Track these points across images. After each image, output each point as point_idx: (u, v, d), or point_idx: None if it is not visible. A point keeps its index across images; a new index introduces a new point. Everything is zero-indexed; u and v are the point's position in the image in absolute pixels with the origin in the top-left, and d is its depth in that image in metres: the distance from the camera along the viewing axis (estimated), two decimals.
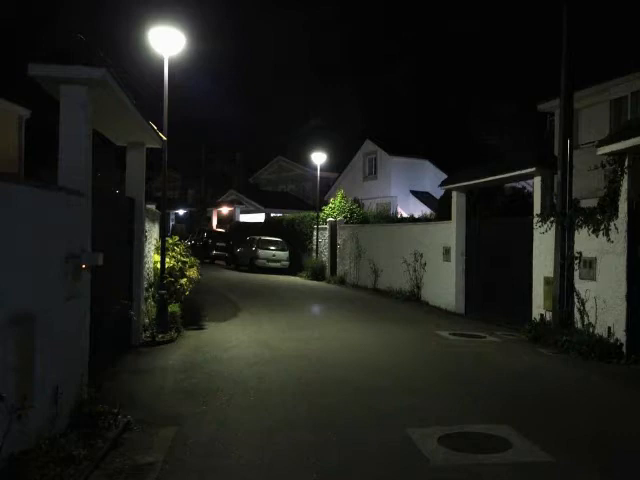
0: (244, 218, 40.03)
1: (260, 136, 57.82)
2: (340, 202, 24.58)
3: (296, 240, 26.48)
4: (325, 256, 23.95)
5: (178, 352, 8.81)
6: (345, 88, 58.25)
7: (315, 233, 24.48)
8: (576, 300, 10.05)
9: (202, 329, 10.82)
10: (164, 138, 9.53)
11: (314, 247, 24.58)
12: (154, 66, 11.46)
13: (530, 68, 37.95)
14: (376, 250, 19.41)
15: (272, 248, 26.05)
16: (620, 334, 8.93)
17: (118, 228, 8.24)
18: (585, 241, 9.94)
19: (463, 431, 5.45)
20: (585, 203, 11.55)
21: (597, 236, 9.60)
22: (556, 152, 11.65)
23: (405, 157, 32.15)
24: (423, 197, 30.62)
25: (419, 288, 16.25)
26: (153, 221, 11.46)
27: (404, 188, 31.49)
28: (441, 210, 16.88)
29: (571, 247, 10.27)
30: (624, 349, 8.82)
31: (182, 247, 11.80)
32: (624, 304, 8.91)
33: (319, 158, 25.59)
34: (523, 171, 11.80)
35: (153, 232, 11.36)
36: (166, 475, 4.43)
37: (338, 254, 22.79)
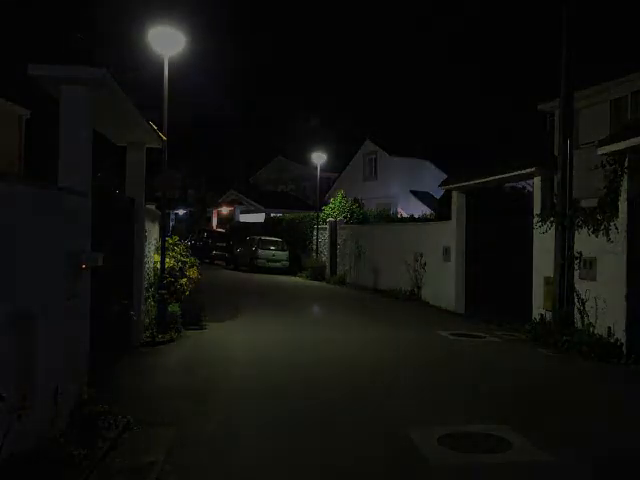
0: (244, 218, 40.03)
1: (260, 136, 57.74)
2: (340, 202, 24.57)
3: (296, 240, 26.47)
4: (325, 256, 23.94)
5: (178, 352, 8.81)
6: (345, 88, 58.19)
7: (315, 233, 24.48)
8: (576, 300, 10.05)
9: (202, 329, 10.81)
10: (164, 138, 9.54)
11: (314, 247, 24.57)
12: (154, 66, 11.46)
13: (530, 68, 38.00)
14: (376, 250, 19.40)
15: (272, 248, 26.04)
16: (620, 334, 8.93)
17: (118, 228, 8.24)
18: (585, 241, 9.94)
19: (463, 431, 5.45)
20: (585, 203, 11.53)
21: (597, 236, 9.60)
22: (556, 152, 11.65)
23: (405, 157, 32.14)
24: (423, 197, 30.61)
25: (419, 288, 16.25)
26: (153, 221, 11.45)
27: (404, 188, 31.49)
28: (441, 210, 16.90)
29: (571, 247, 10.27)
30: (624, 349, 8.81)
31: (182, 247, 11.81)
32: (624, 304, 8.90)
33: (319, 158, 25.60)
34: (523, 171, 11.80)
35: (153, 232, 11.35)
36: (166, 475, 4.43)
37: (338, 254, 22.78)
